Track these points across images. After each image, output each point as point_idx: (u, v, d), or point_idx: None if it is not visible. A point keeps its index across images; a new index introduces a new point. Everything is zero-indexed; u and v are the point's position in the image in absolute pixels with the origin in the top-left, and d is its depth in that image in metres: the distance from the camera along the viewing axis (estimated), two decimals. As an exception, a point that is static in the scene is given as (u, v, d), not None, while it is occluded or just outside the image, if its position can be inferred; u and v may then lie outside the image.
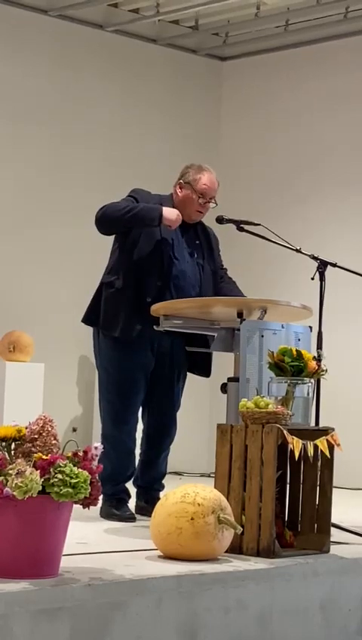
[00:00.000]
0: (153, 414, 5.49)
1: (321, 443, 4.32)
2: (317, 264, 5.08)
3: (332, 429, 4.42)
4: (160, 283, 5.27)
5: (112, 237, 5.49)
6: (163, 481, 5.54)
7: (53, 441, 3.53)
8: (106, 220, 5.30)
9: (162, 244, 5.31)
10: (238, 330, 4.81)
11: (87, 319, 5.50)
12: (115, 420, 5.38)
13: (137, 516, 5.31)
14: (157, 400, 5.46)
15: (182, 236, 5.40)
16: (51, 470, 3.40)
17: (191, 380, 5.61)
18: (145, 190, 5.47)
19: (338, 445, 4.38)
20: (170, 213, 5.23)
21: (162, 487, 5.51)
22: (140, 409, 5.48)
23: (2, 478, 3.37)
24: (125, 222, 5.25)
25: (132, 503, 5.45)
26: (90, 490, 3.46)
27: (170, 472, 5.68)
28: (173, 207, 5.34)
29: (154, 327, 5.04)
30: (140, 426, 5.54)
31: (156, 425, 5.49)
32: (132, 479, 5.52)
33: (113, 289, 5.34)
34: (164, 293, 5.25)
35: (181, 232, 5.38)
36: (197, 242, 5.46)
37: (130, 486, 5.48)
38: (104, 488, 5.12)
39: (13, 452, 3.52)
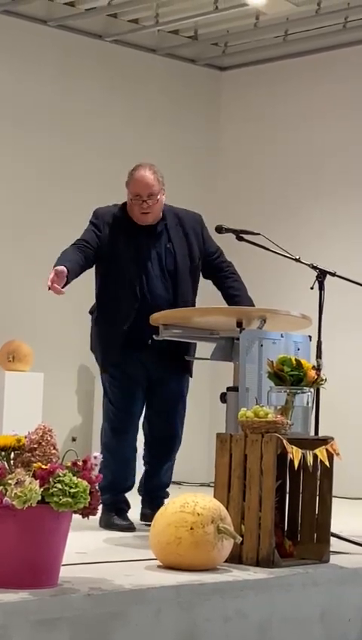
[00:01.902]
0: (156, 426, 5.49)
1: (321, 452, 4.31)
2: (316, 273, 5.09)
3: (332, 439, 4.41)
4: (129, 310, 5.27)
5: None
6: (167, 490, 5.52)
7: (53, 451, 3.53)
8: None
9: (128, 270, 5.31)
10: (238, 339, 4.81)
11: (91, 346, 5.58)
12: (114, 429, 5.40)
13: (141, 524, 5.30)
14: (157, 413, 5.46)
15: (149, 246, 5.36)
16: (50, 480, 3.40)
17: (190, 389, 5.60)
18: (106, 206, 5.48)
19: (338, 454, 4.38)
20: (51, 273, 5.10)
21: (167, 494, 5.51)
22: (141, 419, 5.51)
23: (2, 487, 3.37)
24: None
25: (135, 512, 5.45)
26: (89, 499, 3.45)
27: (169, 482, 5.69)
28: (126, 214, 5.34)
29: (154, 336, 5.05)
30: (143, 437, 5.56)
31: (159, 437, 5.49)
32: (137, 488, 5.54)
33: (93, 320, 5.46)
34: (135, 318, 5.26)
35: (148, 240, 5.36)
36: (168, 246, 5.39)
37: (134, 495, 5.49)
38: (103, 497, 5.13)
39: (12, 461, 3.51)
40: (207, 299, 5.61)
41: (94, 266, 5.44)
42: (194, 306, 5.40)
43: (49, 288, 5.02)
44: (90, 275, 5.54)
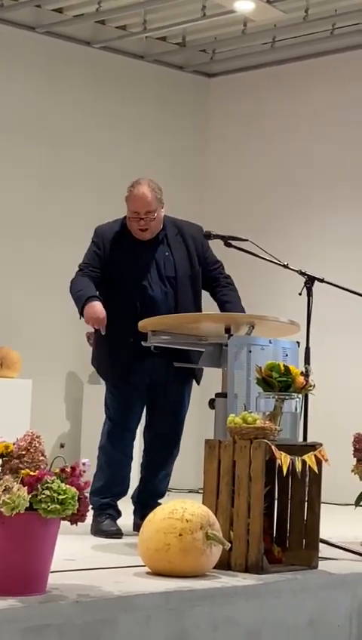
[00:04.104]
0: (156, 431, 5.51)
1: (309, 458, 4.31)
2: (304, 279, 5.09)
3: (320, 445, 4.41)
4: (130, 324, 5.21)
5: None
6: (160, 500, 5.47)
7: (41, 458, 3.52)
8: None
9: (127, 283, 5.35)
10: (226, 345, 4.80)
11: (92, 360, 5.62)
12: (111, 433, 5.42)
13: (134, 534, 5.29)
14: (158, 418, 5.48)
15: (150, 255, 5.40)
16: (39, 486, 3.39)
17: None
18: (106, 224, 5.52)
19: (326, 460, 4.38)
20: (90, 313, 5.24)
21: (158, 505, 5.48)
22: (142, 425, 5.53)
23: (-10, 494, 3.36)
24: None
25: (126, 520, 5.43)
26: (77, 506, 3.45)
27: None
28: (125, 228, 5.40)
29: (142, 342, 5.04)
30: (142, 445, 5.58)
31: (158, 442, 5.50)
32: (131, 496, 5.54)
33: (97, 332, 5.44)
34: (134, 322, 5.20)
35: (147, 251, 5.40)
36: (167, 254, 5.43)
37: (127, 503, 5.49)
38: (93, 500, 5.14)
39: (0, 468, 3.50)
40: (203, 307, 5.61)
41: None
42: (197, 312, 5.42)
43: (95, 328, 5.30)
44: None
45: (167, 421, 5.48)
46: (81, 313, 5.29)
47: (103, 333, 5.27)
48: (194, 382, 5.54)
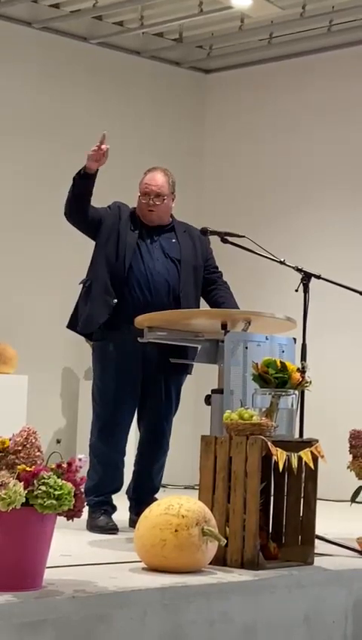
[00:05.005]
0: (145, 425, 5.50)
1: (305, 454, 4.32)
2: (301, 276, 5.09)
3: (316, 441, 4.42)
4: (126, 284, 5.33)
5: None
6: (156, 496, 5.46)
7: (37, 453, 3.52)
8: (67, 206, 5.57)
9: (129, 247, 5.39)
10: (222, 341, 4.81)
11: (69, 322, 5.57)
12: (101, 431, 5.40)
13: (130, 530, 5.29)
14: (148, 412, 5.46)
15: (156, 238, 5.46)
16: (35, 482, 3.39)
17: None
18: (124, 203, 5.59)
19: (322, 457, 4.38)
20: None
21: (153, 500, 5.47)
22: (135, 420, 5.51)
23: (-14, 490, 3.36)
24: (73, 194, 5.56)
25: (121, 515, 5.43)
26: (74, 502, 3.45)
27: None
28: (135, 212, 5.49)
29: (138, 339, 5.04)
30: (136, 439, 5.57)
31: (148, 436, 5.50)
32: (125, 492, 5.53)
33: (85, 288, 5.47)
34: (130, 294, 5.30)
35: (154, 235, 5.46)
36: (174, 241, 5.49)
37: (122, 498, 5.49)
38: (88, 499, 5.14)
39: (-4, 464, 3.51)
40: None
41: (92, 250, 5.51)
42: (196, 303, 5.45)
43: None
44: (75, 280, 5.55)
45: (155, 416, 5.47)
46: (81, 171, 5.58)
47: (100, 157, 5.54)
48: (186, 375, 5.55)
